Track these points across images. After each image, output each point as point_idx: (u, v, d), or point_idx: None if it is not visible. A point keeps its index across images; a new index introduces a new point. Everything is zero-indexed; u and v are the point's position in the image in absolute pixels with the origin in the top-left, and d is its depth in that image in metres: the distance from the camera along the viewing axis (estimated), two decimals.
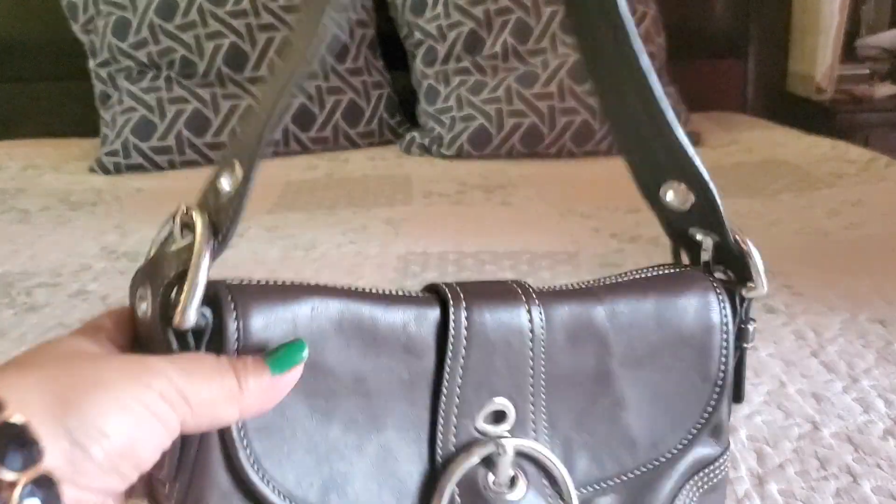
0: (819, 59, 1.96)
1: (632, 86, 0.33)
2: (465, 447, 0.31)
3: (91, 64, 1.53)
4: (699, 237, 0.38)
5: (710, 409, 0.36)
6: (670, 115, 0.33)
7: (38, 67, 1.69)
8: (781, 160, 1.45)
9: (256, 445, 0.28)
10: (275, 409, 0.28)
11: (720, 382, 0.36)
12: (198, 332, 0.27)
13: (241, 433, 0.28)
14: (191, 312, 0.27)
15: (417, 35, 1.59)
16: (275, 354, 0.28)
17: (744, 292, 0.37)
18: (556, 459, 0.32)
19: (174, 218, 0.29)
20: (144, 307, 0.28)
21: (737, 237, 0.37)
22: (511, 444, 0.31)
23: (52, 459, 0.22)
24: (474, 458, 0.31)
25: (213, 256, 0.28)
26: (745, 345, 0.37)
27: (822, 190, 1.25)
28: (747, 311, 0.37)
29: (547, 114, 1.51)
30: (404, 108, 1.66)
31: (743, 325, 0.37)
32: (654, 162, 0.36)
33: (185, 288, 0.27)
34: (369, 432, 0.30)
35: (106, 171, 1.43)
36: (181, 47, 1.47)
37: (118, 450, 0.23)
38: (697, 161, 0.35)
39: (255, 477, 0.28)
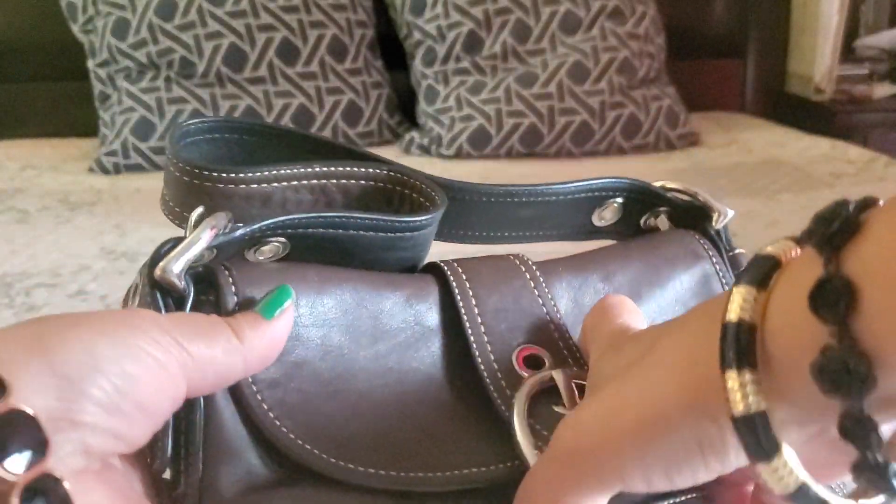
0: (818, 59, 1.96)
1: (516, 208, 0.37)
2: (517, 384, 0.31)
3: (90, 64, 1.53)
4: (651, 222, 0.40)
5: None
6: (533, 188, 0.37)
7: (36, 67, 1.69)
8: (781, 160, 1.45)
9: (269, 397, 0.28)
10: (286, 363, 0.28)
11: None
12: (180, 303, 0.27)
13: (253, 387, 0.28)
14: (176, 265, 0.27)
15: (417, 35, 1.59)
16: (262, 303, 0.28)
17: (714, 224, 0.38)
18: None
19: (191, 216, 0.29)
20: (138, 289, 0.28)
21: (674, 190, 0.39)
22: (561, 372, 0.31)
23: (41, 399, 0.21)
24: (533, 383, 0.30)
25: (217, 236, 0.28)
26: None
27: (821, 190, 1.25)
28: (728, 240, 0.39)
29: (546, 114, 1.51)
30: (404, 109, 1.66)
31: (731, 254, 0.38)
32: (569, 217, 0.39)
33: (180, 246, 0.27)
34: (397, 383, 0.30)
35: (105, 172, 1.43)
36: (180, 47, 1.47)
37: (115, 385, 0.22)
38: (595, 180, 0.37)
39: (275, 427, 0.27)
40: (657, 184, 0.39)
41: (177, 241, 0.28)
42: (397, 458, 0.28)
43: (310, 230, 0.30)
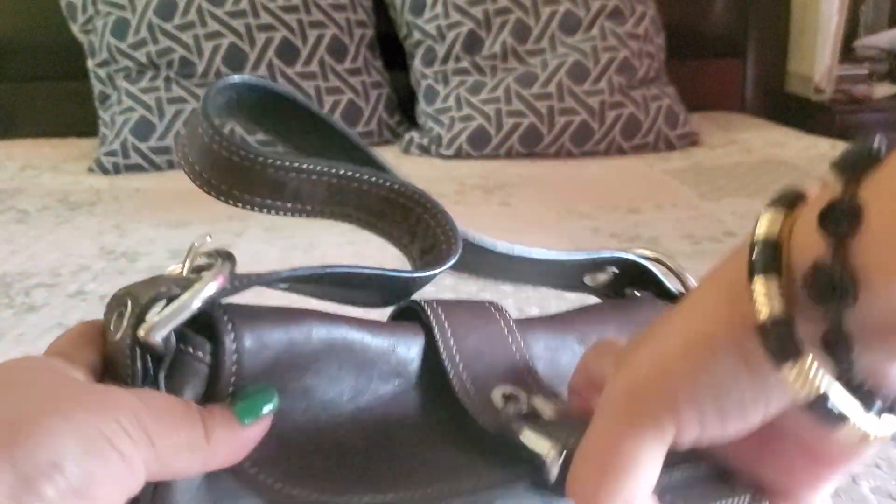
0: (818, 59, 1.96)
1: (516, 263, 0.39)
2: (502, 415, 0.31)
3: (90, 64, 1.53)
4: (632, 291, 0.42)
5: None
6: (542, 256, 0.39)
7: (36, 67, 1.69)
8: (780, 160, 1.45)
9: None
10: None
11: None
12: (155, 360, 0.25)
13: None
14: (161, 332, 0.25)
15: (416, 35, 1.59)
16: (244, 401, 0.26)
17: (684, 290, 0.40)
18: None
19: (191, 247, 0.28)
20: (122, 326, 0.26)
21: (653, 259, 0.41)
22: (540, 398, 0.31)
23: None
24: (513, 410, 0.31)
25: (220, 293, 0.26)
26: None
27: None
28: None
29: (546, 114, 1.51)
30: (403, 108, 1.66)
31: None
32: (564, 276, 0.41)
33: (172, 307, 0.25)
34: (382, 436, 0.30)
35: (105, 171, 1.43)
36: (180, 47, 1.47)
37: (73, 487, 0.21)
38: (603, 253, 0.39)
39: (255, 478, 0.27)
40: (636, 251, 0.41)
41: (172, 286, 0.26)
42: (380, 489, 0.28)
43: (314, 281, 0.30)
